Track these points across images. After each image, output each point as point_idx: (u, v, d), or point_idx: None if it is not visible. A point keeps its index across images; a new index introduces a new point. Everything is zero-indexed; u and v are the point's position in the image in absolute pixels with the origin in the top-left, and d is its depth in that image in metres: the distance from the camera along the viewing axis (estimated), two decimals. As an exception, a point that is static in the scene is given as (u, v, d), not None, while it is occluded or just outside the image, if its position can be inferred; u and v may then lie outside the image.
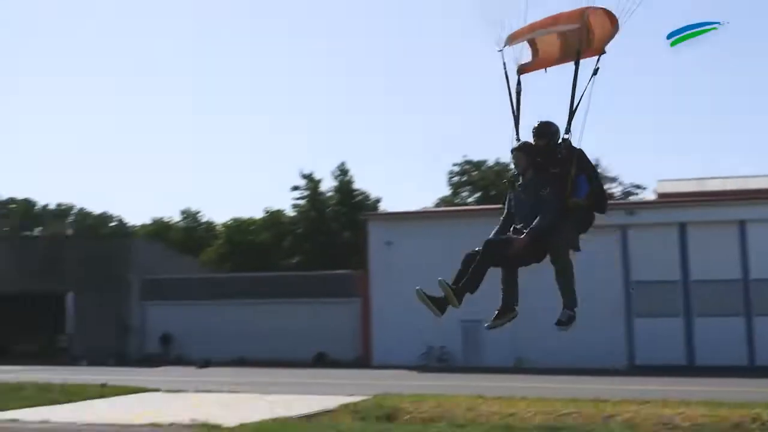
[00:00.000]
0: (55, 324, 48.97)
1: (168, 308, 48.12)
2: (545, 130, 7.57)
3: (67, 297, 49.15)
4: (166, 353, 45.85)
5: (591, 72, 7.54)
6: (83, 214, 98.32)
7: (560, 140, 7.48)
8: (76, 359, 43.75)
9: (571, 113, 7.51)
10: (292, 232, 75.00)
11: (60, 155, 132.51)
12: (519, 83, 7.90)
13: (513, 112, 7.94)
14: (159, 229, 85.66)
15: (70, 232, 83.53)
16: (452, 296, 7.27)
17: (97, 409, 19.56)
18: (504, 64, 7.83)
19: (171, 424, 15.94)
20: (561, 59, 7.79)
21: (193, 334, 45.34)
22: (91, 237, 77.62)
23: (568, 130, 7.48)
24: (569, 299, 7.45)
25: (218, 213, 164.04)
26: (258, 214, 78.81)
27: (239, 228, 78.21)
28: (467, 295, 7.38)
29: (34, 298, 49.59)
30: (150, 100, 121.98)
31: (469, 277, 7.30)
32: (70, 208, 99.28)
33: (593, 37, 7.49)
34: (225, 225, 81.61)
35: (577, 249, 7.55)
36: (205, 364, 39.97)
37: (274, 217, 77.77)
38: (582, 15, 7.33)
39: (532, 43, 7.80)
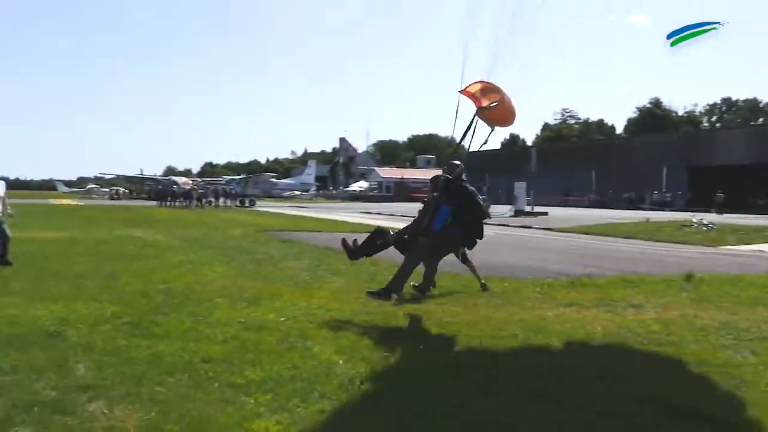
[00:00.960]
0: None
1: None
2: (449, 168, 8.10)
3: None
4: None
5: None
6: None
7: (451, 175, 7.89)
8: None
9: (455, 151, 8.21)
10: None
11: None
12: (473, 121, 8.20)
13: (459, 141, 8.34)
14: None
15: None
16: (349, 252, 8.41)
17: None
18: (458, 103, 8.07)
19: None
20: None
21: None
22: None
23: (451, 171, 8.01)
24: (393, 283, 7.84)
25: None
26: None
27: None
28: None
29: (762, 168, 55.11)
30: None
31: (364, 246, 8.42)
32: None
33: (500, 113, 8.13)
34: None
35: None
36: None
37: None
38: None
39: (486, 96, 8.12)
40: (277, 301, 8.64)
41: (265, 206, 52.82)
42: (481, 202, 8.20)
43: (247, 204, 55.64)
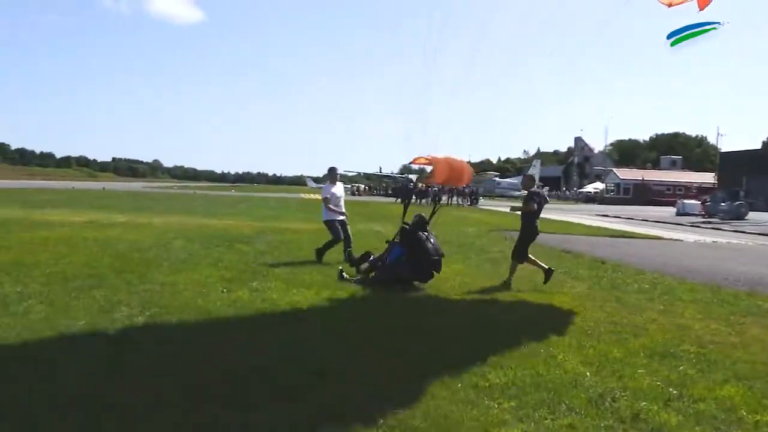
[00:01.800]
0: None
1: None
2: (414, 219, 10.05)
3: None
4: None
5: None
6: None
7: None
8: None
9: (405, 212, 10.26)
10: None
11: None
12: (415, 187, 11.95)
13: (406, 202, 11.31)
14: None
15: None
16: (351, 262, 10.76)
17: None
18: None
19: None
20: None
21: None
22: None
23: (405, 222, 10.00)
24: (357, 280, 9.66)
25: None
26: None
27: None
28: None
29: None
30: None
31: (359, 261, 10.40)
32: None
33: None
34: None
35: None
36: None
37: None
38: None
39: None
40: (515, 304, 8.44)
41: (490, 205, 52.70)
42: (429, 248, 9.59)
43: (469, 202, 56.28)
